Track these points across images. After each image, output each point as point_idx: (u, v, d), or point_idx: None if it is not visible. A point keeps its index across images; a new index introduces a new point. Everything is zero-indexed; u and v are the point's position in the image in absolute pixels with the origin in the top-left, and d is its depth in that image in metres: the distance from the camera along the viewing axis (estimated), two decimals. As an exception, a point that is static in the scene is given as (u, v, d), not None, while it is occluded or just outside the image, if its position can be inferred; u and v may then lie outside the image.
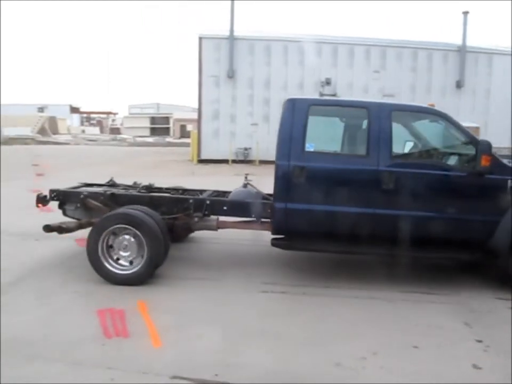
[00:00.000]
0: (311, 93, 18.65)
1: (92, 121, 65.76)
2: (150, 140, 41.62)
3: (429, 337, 3.77)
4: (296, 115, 4.82)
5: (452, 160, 5.05)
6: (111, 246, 4.79)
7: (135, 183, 6.23)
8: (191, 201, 5.22)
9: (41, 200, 5.53)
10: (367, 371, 3.24)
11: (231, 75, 20.70)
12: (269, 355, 3.42)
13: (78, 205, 5.41)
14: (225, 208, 5.19)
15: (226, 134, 20.76)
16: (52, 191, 5.53)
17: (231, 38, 20.53)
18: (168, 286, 4.78)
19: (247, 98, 20.99)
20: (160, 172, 15.65)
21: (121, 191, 5.70)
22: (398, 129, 5.03)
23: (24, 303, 4.28)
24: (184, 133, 46.10)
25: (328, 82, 19.49)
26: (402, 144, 5.37)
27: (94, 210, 5.28)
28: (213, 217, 5.37)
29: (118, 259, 4.80)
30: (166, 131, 52.60)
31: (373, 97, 19.43)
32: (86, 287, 4.66)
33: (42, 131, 43.52)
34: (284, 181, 4.76)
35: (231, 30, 20.59)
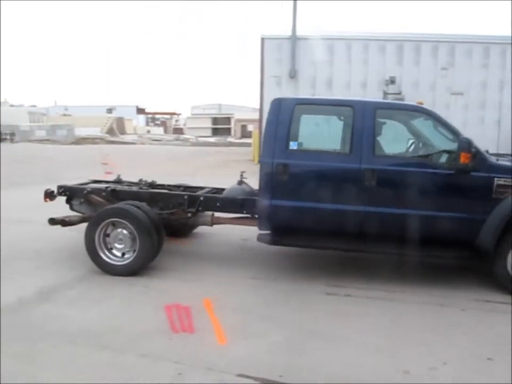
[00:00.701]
0: (374, 92, 18.22)
1: (156, 122, 68.11)
2: (212, 140, 42.38)
3: (503, 349, 3.54)
4: (281, 114, 4.93)
5: (438, 158, 4.88)
6: (108, 235, 5.06)
7: (140, 180, 6.43)
8: (185, 197, 5.38)
9: (49, 195, 5.84)
10: (438, 382, 3.10)
11: (293, 75, 20.65)
12: (335, 358, 3.37)
13: (82, 200, 5.67)
14: (218, 204, 5.35)
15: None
16: (59, 187, 5.84)
17: (293, 38, 20.47)
18: (232, 285, 4.84)
19: (309, 98, 20.77)
20: (221, 171, 15.91)
21: (121, 187, 5.93)
22: (383, 127, 5.09)
23: (94, 297, 4.49)
24: (245, 133, 46.58)
25: (392, 81, 18.94)
26: (388, 142, 5.27)
27: (97, 205, 5.52)
28: (208, 213, 5.56)
29: (112, 250, 5.06)
30: (227, 131, 53.41)
31: (440, 95, 18.69)
32: (154, 283, 4.83)
33: (110, 131, 45.63)
34: (268, 178, 4.88)
35: (293, 30, 20.54)
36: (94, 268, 5.17)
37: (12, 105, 65.32)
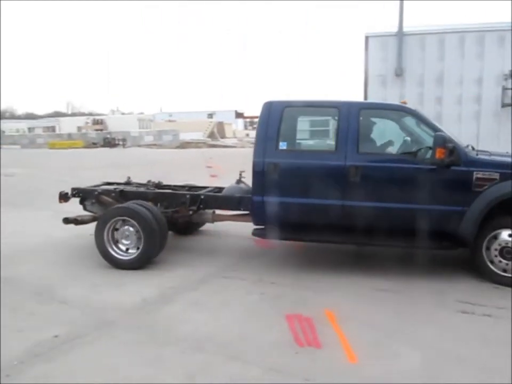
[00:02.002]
0: (492, 88, 16.70)
1: (254, 125, 69.44)
2: (310, 142, 42.03)
3: None
4: (271, 116, 5.23)
5: (420, 154, 5.04)
6: (116, 229, 5.43)
7: (148, 181, 6.81)
8: (187, 196, 5.75)
9: (64, 197, 6.24)
10: None
11: (399, 73, 19.68)
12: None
13: (94, 200, 6.05)
14: (217, 202, 5.78)
15: (392, 135, 19.77)
16: (73, 189, 6.23)
17: (400, 34, 19.51)
18: (355, 295, 4.58)
19: (416, 97, 19.66)
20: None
21: (129, 188, 6.30)
22: (367, 126, 5.38)
23: (214, 301, 4.49)
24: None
25: (513, 74, 17.19)
26: (372, 140, 5.47)
27: (107, 205, 5.88)
28: (209, 210, 5.91)
29: (120, 246, 5.43)
30: (325, 133, 52.76)
31: None
32: (271, 290, 4.72)
33: (212, 135, 47.37)
34: (260, 176, 5.18)
35: (400, 26, 19.57)
36: (212, 270, 5.23)
37: (123, 113, 70.53)
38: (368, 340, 3.65)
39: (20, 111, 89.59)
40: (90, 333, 3.81)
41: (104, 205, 5.97)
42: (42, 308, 4.39)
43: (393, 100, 20.02)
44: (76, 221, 5.83)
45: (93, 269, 5.50)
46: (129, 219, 5.36)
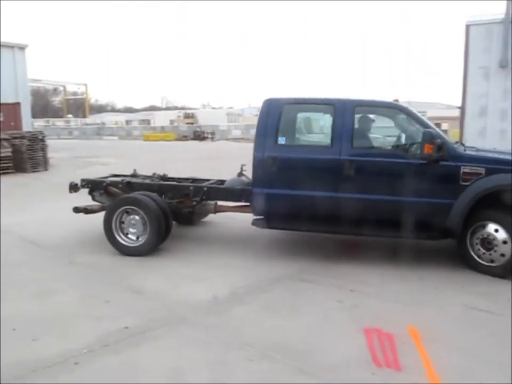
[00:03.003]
0: None
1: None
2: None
3: None
4: (271, 113, 5.46)
5: (411, 149, 5.29)
6: (122, 222, 5.68)
7: (154, 173, 6.97)
8: (191, 188, 5.99)
9: (74, 188, 6.50)
10: None
11: (504, 64, 17.92)
12: None
13: (102, 191, 6.33)
14: (219, 194, 6.00)
15: (495, 133, 18.10)
16: (82, 180, 6.51)
17: (506, 22, 17.72)
18: (442, 312, 4.09)
19: (524, 91, 17.80)
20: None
21: (135, 180, 6.55)
22: (361, 122, 5.54)
23: (288, 306, 4.26)
24: (438, 132, 42.91)
25: None
26: (365, 135, 5.59)
27: (115, 196, 6.15)
28: (211, 202, 6.19)
29: (127, 234, 5.69)
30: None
31: None
32: (350, 298, 4.38)
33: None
34: (260, 169, 5.41)
35: (508, 11, 17.75)
36: (290, 271, 5.02)
37: (213, 108, 72.62)
38: (456, 365, 3.19)
39: (120, 105, 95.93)
40: (159, 328, 3.76)
41: (112, 196, 6.24)
42: (118, 296, 4.45)
43: (497, 94, 18.35)
44: (86, 210, 6.14)
45: (169, 260, 5.54)
46: (136, 208, 5.60)
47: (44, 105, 77.67)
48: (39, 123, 54.62)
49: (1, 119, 16.19)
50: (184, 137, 40.43)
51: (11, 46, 19.20)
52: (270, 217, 5.53)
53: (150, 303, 4.31)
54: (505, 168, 4.92)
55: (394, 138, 5.73)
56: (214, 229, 7.12)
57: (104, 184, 6.35)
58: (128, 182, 6.32)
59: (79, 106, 77.22)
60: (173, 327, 3.80)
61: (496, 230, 4.86)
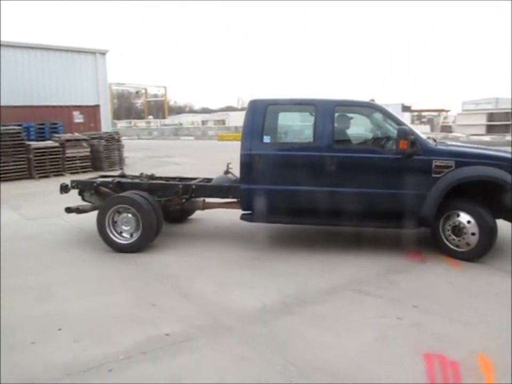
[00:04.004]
0: None
1: (422, 119, 64.87)
2: (487, 138, 37.39)
3: None
4: (256, 113, 5.75)
5: (387, 145, 5.66)
6: (115, 221, 5.84)
7: (141, 173, 7.10)
8: (180, 186, 6.20)
9: (64, 189, 6.64)
10: None
11: None
12: None
13: (93, 191, 6.45)
14: (207, 191, 6.26)
15: None
16: (72, 181, 6.66)
17: None
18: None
19: None
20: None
21: (125, 180, 6.70)
22: (341, 121, 5.83)
23: (341, 320, 3.90)
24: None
25: None
26: (345, 133, 5.92)
27: (105, 195, 6.31)
28: (200, 199, 6.41)
29: (121, 232, 5.84)
30: (504, 129, 46.42)
31: None
32: (412, 315, 3.92)
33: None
34: (247, 166, 5.69)
35: None
36: (346, 280, 4.64)
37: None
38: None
39: (198, 106, 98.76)
40: (200, 337, 3.58)
41: (102, 196, 6.39)
42: (164, 300, 4.34)
43: None
44: (78, 210, 6.36)
45: (220, 263, 5.39)
46: (129, 207, 5.77)
47: (127, 107, 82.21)
48: (122, 124, 57.70)
49: (82, 121, 17.12)
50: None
51: (93, 52, 20.29)
52: (258, 212, 5.76)
53: (196, 308, 4.15)
54: (473, 161, 5.35)
55: (372, 135, 6.11)
56: (250, 230, 6.87)
57: (95, 184, 6.49)
58: (119, 182, 6.48)
59: (159, 108, 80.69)
60: (215, 336, 3.59)
61: (468, 221, 5.23)
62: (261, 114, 5.75)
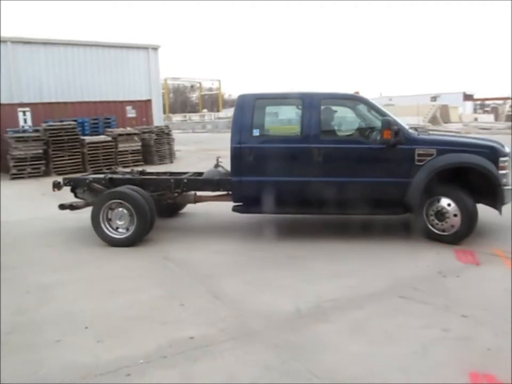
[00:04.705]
0: None
1: (486, 109, 61.28)
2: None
3: None
4: (245, 107, 5.94)
5: (372, 135, 5.86)
6: (109, 216, 5.91)
7: (132, 169, 7.39)
8: (172, 180, 6.33)
9: (57, 186, 6.68)
10: None
11: None
12: None
13: (85, 188, 6.50)
14: (198, 184, 6.37)
15: None
16: (64, 179, 6.75)
17: None
18: None
19: None
20: None
21: (117, 176, 6.78)
22: (327, 113, 6.09)
23: (380, 329, 3.57)
24: None
25: None
26: (331, 124, 6.22)
27: (98, 192, 6.34)
28: (191, 192, 6.50)
29: (117, 228, 5.93)
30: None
31: None
32: (460, 326, 3.53)
33: (433, 120, 43.44)
34: (237, 159, 5.85)
35: None
36: (387, 285, 4.30)
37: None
38: None
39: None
40: (225, 341, 3.39)
41: (95, 192, 6.42)
42: (193, 299, 4.20)
43: None
44: (71, 207, 6.37)
45: (251, 261, 5.21)
46: (122, 201, 5.83)
47: (183, 101, 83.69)
48: (177, 118, 58.79)
49: (134, 115, 17.45)
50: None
51: (146, 47, 20.63)
52: (249, 203, 5.98)
53: (226, 310, 3.97)
54: (454, 148, 5.61)
55: (357, 126, 6.20)
56: (285, 222, 6.57)
57: (87, 181, 6.54)
58: (111, 178, 6.51)
59: (213, 101, 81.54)
60: (240, 341, 3.40)
61: (449, 204, 5.48)
62: (249, 108, 5.92)
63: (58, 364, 3.16)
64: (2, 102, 15.72)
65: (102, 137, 15.14)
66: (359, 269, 4.85)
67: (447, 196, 5.50)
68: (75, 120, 14.97)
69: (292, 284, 4.50)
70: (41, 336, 3.56)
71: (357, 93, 6.41)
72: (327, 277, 4.65)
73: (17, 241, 6.32)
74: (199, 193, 6.60)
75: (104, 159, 14.73)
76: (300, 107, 5.94)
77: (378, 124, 5.68)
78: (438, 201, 5.53)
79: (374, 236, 5.94)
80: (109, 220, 5.94)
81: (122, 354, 3.24)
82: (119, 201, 5.88)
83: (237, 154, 5.89)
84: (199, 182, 6.44)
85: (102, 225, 5.90)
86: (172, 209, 7.30)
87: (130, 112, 17.60)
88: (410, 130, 5.81)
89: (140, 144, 15.68)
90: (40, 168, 13.87)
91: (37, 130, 14.42)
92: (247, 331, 3.56)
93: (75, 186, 6.73)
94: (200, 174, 6.82)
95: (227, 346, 3.32)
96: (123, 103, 17.43)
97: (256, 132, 5.90)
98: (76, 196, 6.76)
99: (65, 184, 6.77)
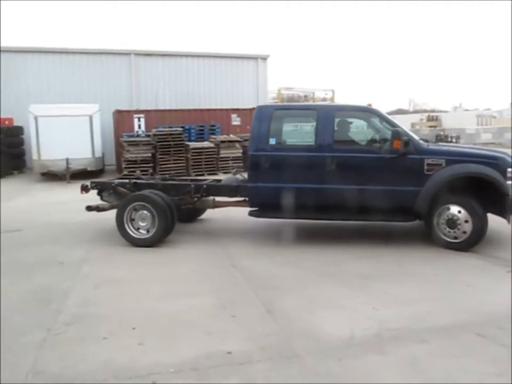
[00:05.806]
0: None
1: None
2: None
3: None
4: (263, 118, 6.32)
5: (383, 145, 6.05)
6: (133, 219, 6.23)
7: (154, 175, 8.08)
8: (192, 186, 6.65)
9: (84, 188, 7.04)
10: None
11: None
12: None
13: (111, 191, 6.84)
14: (218, 190, 6.74)
15: None
16: (92, 182, 7.11)
17: None
18: None
19: None
20: None
21: (141, 180, 7.19)
22: (340, 124, 6.36)
23: (441, 371, 3.08)
24: None
25: None
26: (344, 135, 6.46)
27: (123, 195, 6.65)
28: (210, 198, 6.77)
29: (138, 228, 6.21)
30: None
31: None
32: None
33: None
34: (254, 166, 6.23)
35: None
36: (463, 319, 3.74)
37: (466, 110, 66.21)
38: None
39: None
40: (261, 361, 3.21)
41: (120, 195, 6.72)
42: (246, 311, 4.07)
43: None
44: (98, 209, 6.73)
45: (318, 276, 4.92)
46: (145, 204, 6.13)
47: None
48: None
49: (239, 123, 17.92)
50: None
51: (255, 58, 21.16)
52: (264, 208, 6.29)
53: (274, 327, 3.76)
54: (463, 159, 5.81)
55: (369, 137, 6.47)
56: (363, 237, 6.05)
57: (113, 185, 6.88)
58: (135, 182, 6.90)
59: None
60: (278, 363, 3.17)
61: (459, 211, 5.62)
62: (267, 118, 6.23)
63: (97, 361, 3.23)
64: (123, 108, 17.22)
65: (205, 143, 15.78)
66: (430, 296, 4.30)
67: (456, 203, 5.64)
68: (182, 127, 15.81)
69: (354, 306, 4.14)
70: (93, 332, 3.69)
71: (370, 105, 6.83)
72: (393, 302, 4.20)
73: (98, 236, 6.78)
74: (217, 198, 6.80)
75: (206, 164, 15.34)
76: (315, 118, 6.21)
77: (389, 134, 5.89)
78: (448, 209, 5.67)
79: (452, 256, 5.28)
80: (132, 220, 6.24)
81: (158, 360, 3.21)
82: (142, 203, 6.18)
83: (254, 162, 6.19)
84: (218, 187, 6.77)
85: (126, 226, 6.22)
86: (191, 215, 7.57)
87: (235, 120, 18.11)
88: (421, 141, 6.07)
89: (240, 151, 16.02)
90: (148, 171, 14.79)
91: (147, 135, 15.52)
92: (288, 353, 3.32)
93: (101, 190, 7.02)
94: (219, 181, 7.20)
95: (261, 367, 3.11)
96: (228, 111, 18.01)
97: (272, 141, 6.21)
98: (101, 199, 7.03)
99: (93, 188, 7.08)
